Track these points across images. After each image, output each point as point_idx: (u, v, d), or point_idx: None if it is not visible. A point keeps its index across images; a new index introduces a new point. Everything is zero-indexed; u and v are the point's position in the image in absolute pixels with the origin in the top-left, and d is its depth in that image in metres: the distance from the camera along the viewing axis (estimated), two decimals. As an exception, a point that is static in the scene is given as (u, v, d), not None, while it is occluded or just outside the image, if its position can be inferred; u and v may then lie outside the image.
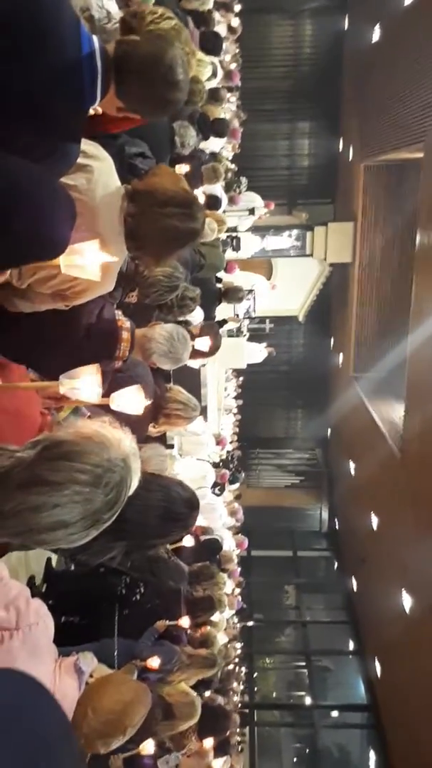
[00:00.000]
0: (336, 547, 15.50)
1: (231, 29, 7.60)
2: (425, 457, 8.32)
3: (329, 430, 16.60)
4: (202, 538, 5.54)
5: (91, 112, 1.51)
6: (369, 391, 12.08)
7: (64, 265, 1.43)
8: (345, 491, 14.44)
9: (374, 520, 11.09)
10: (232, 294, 5.21)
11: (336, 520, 15.78)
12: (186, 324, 3.51)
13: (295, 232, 13.73)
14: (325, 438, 16.82)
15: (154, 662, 3.57)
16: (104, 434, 1.16)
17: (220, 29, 6.56)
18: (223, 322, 6.34)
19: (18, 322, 1.93)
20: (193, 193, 1.78)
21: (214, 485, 7.28)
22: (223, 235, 7.18)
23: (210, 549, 5.47)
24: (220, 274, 6.02)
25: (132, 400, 1.75)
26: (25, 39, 1.23)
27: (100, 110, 1.54)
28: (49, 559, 4.51)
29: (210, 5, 5.35)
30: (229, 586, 6.75)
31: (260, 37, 14.22)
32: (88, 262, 1.45)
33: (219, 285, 5.34)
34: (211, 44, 4.76)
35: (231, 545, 7.59)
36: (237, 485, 9.71)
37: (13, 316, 1.93)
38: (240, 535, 8.76)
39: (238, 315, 9.35)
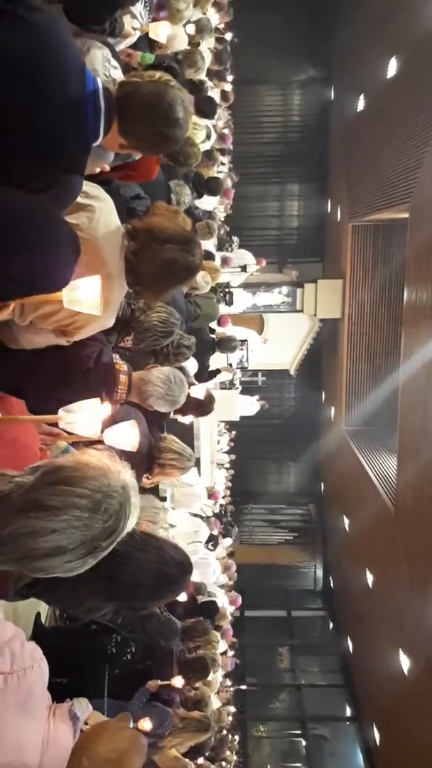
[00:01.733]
0: (331, 606, 15.11)
1: (224, 96, 7.97)
2: (419, 511, 8.23)
3: (322, 485, 16.46)
4: (199, 599, 5.40)
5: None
6: (362, 444, 12.06)
7: (67, 300, 1.45)
8: (339, 547, 14.20)
9: (369, 577, 10.86)
10: (226, 344, 5.27)
11: (330, 577, 15.44)
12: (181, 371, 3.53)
13: (285, 288, 14.03)
14: (318, 492, 16.66)
15: (146, 725, 3.40)
16: (104, 462, 1.15)
17: (214, 95, 6.88)
18: (217, 371, 6.38)
19: (18, 359, 1.94)
20: (190, 230, 1.83)
21: (208, 540, 7.15)
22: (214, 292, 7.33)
23: (207, 611, 5.33)
24: (213, 326, 6.11)
25: (126, 435, 1.74)
26: (33, 77, 1.29)
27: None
28: (38, 615, 4.35)
29: (203, 75, 5.64)
30: (222, 647, 6.53)
31: (251, 105, 14.93)
32: (90, 297, 1.47)
33: (212, 335, 5.41)
34: (206, 108, 4.98)
35: (224, 602, 7.39)
36: (230, 540, 9.53)
37: (13, 353, 1.94)
38: (233, 592, 8.53)
39: (231, 365, 9.41)
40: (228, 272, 10.29)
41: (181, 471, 2.98)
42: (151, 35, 3.48)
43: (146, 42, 3.98)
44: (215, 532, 7.34)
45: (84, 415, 1.56)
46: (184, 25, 4.50)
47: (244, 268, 10.81)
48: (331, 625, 15.09)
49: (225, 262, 8.96)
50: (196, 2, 4.07)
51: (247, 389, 12.91)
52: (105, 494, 1.09)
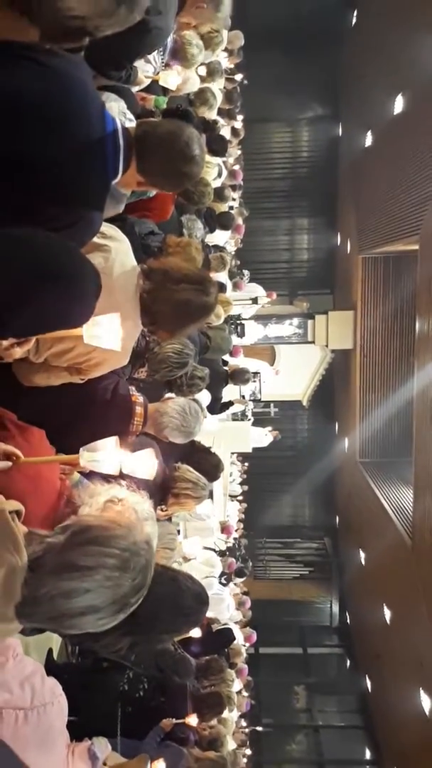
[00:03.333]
0: (348, 643, 14.75)
1: (235, 132, 8.18)
2: (437, 545, 8.10)
3: (337, 518, 16.24)
4: (214, 627, 5.31)
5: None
6: (377, 476, 11.93)
7: (87, 336, 1.48)
8: (356, 582, 13.93)
9: (387, 613, 10.62)
10: (239, 375, 5.29)
11: (347, 613, 15.11)
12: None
13: (296, 320, 14.11)
14: (333, 526, 16.42)
15: (159, 765, 3.31)
16: (129, 516, 1.19)
17: (224, 132, 7.06)
18: (230, 403, 6.39)
19: (33, 396, 1.97)
20: (204, 265, 1.86)
21: (221, 575, 7.05)
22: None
23: (222, 639, 5.23)
24: (225, 358, 6.14)
25: (144, 463, 1.74)
26: (57, 122, 1.35)
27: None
28: (50, 650, 4.30)
29: (215, 114, 5.80)
30: (236, 686, 6.39)
31: (261, 142, 15.26)
32: (110, 334, 1.49)
33: (225, 367, 5.44)
34: (217, 146, 5.11)
35: (239, 639, 7.24)
36: (244, 578, 9.41)
37: (27, 391, 1.96)
38: (248, 628, 8.37)
39: (244, 396, 9.42)
40: (239, 304, 10.39)
41: (196, 501, 2.97)
42: (162, 83, 3.61)
43: (159, 85, 4.13)
44: (230, 570, 7.26)
45: (104, 454, 1.58)
46: (196, 68, 4.64)
47: (255, 300, 10.92)
48: (348, 663, 14.71)
49: (236, 286, 9.06)
50: (208, 46, 4.20)
51: (260, 420, 12.87)
52: (133, 552, 1.14)
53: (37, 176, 1.30)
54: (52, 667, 4.34)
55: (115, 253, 1.76)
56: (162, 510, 3.05)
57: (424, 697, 8.39)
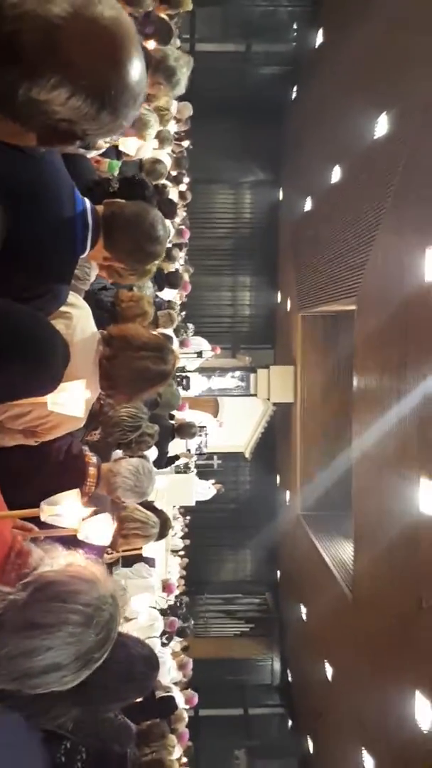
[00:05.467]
0: (289, 701, 14.48)
1: (182, 195, 8.49)
2: (376, 599, 8.19)
3: (279, 572, 16.17)
4: (157, 694, 5.14)
5: None
6: (317, 529, 12.03)
7: (51, 403, 1.51)
8: (297, 638, 13.80)
9: (329, 670, 10.54)
10: (185, 430, 5.34)
11: (288, 671, 14.89)
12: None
13: (239, 373, 14.40)
14: (275, 581, 16.33)
15: None
16: (92, 571, 1.18)
17: (172, 195, 7.32)
18: (176, 457, 6.39)
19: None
20: (163, 338, 1.94)
21: (162, 633, 6.88)
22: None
23: (164, 708, 5.07)
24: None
25: (100, 529, 1.75)
26: (31, 204, 1.41)
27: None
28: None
29: (164, 180, 6.05)
30: (176, 752, 6.15)
31: (205, 203, 15.85)
32: (74, 401, 1.53)
33: (171, 421, 5.48)
34: (166, 209, 5.30)
35: (180, 702, 7.02)
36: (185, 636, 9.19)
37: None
38: (189, 690, 8.14)
39: (190, 450, 9.43)
40: (184, 357, 10.53)
41: (145, 539, 2.95)
42: (121, 148, 3.77)
43: (114, 150, 4.30)
44: (171, 629, 7.09)
45: (66, 508, 1.58)
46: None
47: (200, 354, 11.10)
48: (290, 723, 14.40)
49: (183, 343, 9.21)
50: (160, 120, 4.43)
51: (203, 473, 12.86)
52: (96, 607, 1.13)
53: (10, 255, 1.36)
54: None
55: (76, 319, 1.82)
56: (108, 554, 3.00)
57: (366, 757, 8.30)
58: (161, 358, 1.87)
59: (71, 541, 1.83)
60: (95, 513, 1.78)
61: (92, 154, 3.75)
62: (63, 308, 1.77)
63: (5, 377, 1.32)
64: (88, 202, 1.63)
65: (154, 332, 4.93)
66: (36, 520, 1.90)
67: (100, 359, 1.84)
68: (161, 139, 5.55)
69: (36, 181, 1.40)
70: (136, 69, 0.91)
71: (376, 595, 8.22)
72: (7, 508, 2.03)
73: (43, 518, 1.60)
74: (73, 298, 1.86)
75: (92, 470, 2.23)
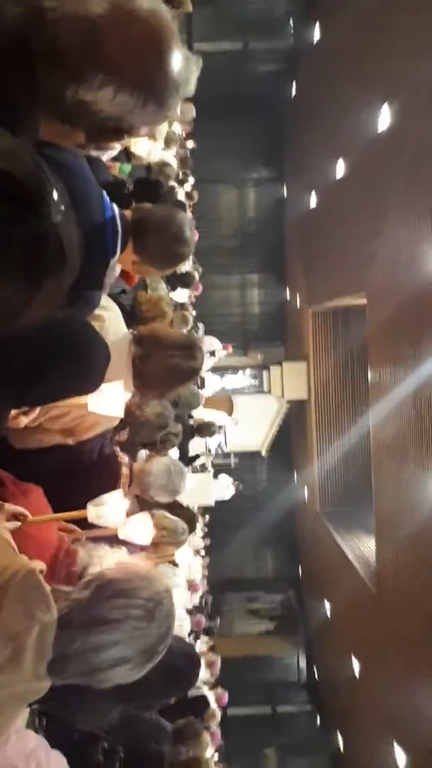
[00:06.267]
0: (317, 699, 14.45)
1: (189, 196, 8.54)
2: (402, 591, 8.16)
3: (300, 569, 16.15)
4: (189, 692, 5.15)
5: None
6: (338, 525, 12.00)
7: (92, 404, 1.53)
8: (322, 635, 13.77)
9: (356, 665, 10.51)
10: (206, 429, 5.36)
11: (315, 668, 14.85)
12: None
13: (251, 371, 14.40)
14: (296, 577, 16.31)
15: None
16: (145, 567, 1.25)
17: (180, 197, 7.36)
18: (196, 457, 6.41)
19: (23, 458, 1.98)
20: (192, 335, 1.96)
21: (189, 633, 6.91)
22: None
23: (197, 707, 5.08)
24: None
25: (141, 528, 1.77)
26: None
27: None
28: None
29: (172, 181, 6.08)
30: (209, 751, 6.17)
31: (210, 202, 15.85)
32: (113, 401, 1.55)
33: (191, 421, 5.50)
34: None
35: (211, 701, 7.03)
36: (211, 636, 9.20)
37: (18, 453, 1.97)
38: (219, 689, 8.15)
39: (210, 450, 9.45)
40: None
41: (176, 546, 2.97)
42: (133, 149, 3.80)
43: (124, 154, 4.35)
44: (198, 628, 7.11)
45: (111, 507, 1.61)
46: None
47: (212, 353, 11.12)
48: (318, 720, 14.37)
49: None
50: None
51: (220, 472, 12.87)
52: (156, 602, 1.17)
53: None
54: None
55: (108, 321, 1.85)
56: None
57: (398, 751, 8.27)
58: (191, 356, 1.91)
59: (112, 541, 1.86)
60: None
61: (105, 157, 3.79)
62: (95, 311, 1.80)
63: (58, 380, 1.35)
64: (116, 208, 1.65)
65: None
66: (75, 520, 1.93)
67: (133, 359, 1.86)
68: (167, 140, 5.58)
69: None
70: (177, 58, 0.93)
71: (401, 589, 8.19)
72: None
73: (89, 519, 1.62)
74: (104, 300, 1.89)
75: (125, 470, 2.25)
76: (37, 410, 1.63)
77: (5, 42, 0.87)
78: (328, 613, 12.53)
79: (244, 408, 14.19)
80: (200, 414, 7.99)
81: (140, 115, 0.93)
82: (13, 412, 1.52)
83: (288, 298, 15.80)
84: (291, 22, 13.90)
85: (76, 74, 0.88)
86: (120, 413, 1.61)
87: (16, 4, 0.88)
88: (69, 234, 0.79)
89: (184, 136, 8.65)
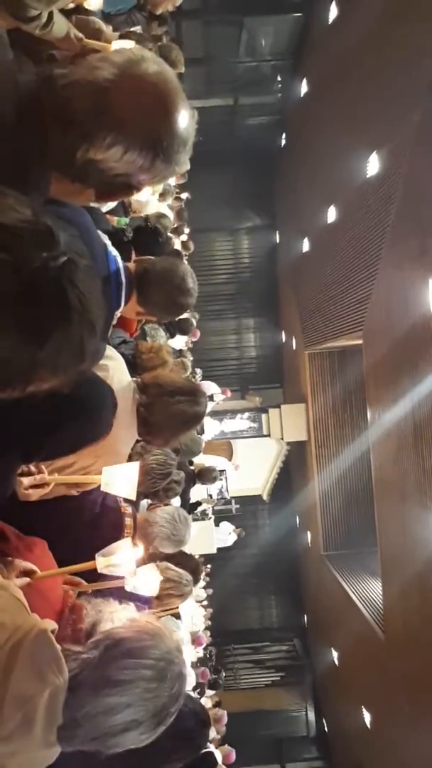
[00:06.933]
0: (328, 753, 13.89)
1: (185, 246, 8.71)
2: (410, 635, 7.96)
3: (306, 617, 15.76)
4: (197, 750, 4.95)
5: None
6: (342, 569, 11.79)
7: (104, 484, 1.53)
8: (330, 684, 13.35)
9: (366, 715, 10.16)
10: (206, 475, 5.31)
11: (324, 720, 14.34)
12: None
13: (250, 414, 14.39)
14: (302, 625, 15.90)
15: None
16: (155, 625, 1.20)
17: (176, 246, 7.50)
18: (198, 504, 6.34)
19: (25, 511, 1.96)
20: (194, 381, 1.98)
21: (194, 687, 6.70)
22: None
23: (205, 765, 4.88)
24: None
25: (148, 579, 1.74)
26: None
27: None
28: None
29: (168, 233, 6.23)
30: None
31: (205, 250, 16.21)
32: (127, 483, 1.54)
33: (191, 467, 5.46)
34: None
35: (218, 760, 6.75)
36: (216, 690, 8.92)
37: (20, 505, 1.95)
38: (226, 746, 7.85)
39: (211, 496, 9.36)
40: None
41: (180, 599, 2.89)
42: (133, 199, 3.89)
43: (121, 207, 4.46)
44: (203, 680, 6.89)
45: (121, 557, 1.58)
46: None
47: (210, 398, 11.14)
48: (330, 776, 13.80)
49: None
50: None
51: (221, 518, 12.72)
52: (168, 661, 1.13)
53: None
54: None
55: (113, 371, 1.86)
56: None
57: (415, 806, 7.92)
58: (195, 401, 1.92)
59: (118, 594, 1.82)
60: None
61: (104, 209, 3.89)
62: (100, 360, 1.82)
63: (71, 432, 1.35)
64: (120, 261, 1.69)
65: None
66: (80, 573, 1.89)
67: (138, 406, 1.87)
68: (163, 192, 5.74)
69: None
70: (183, 117, 0.97)
71: (410, 631, 7.99)
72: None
73: (99, 570, 1.59)
74: (108, 350, 1.91)
75: (128, 521, 2.22)
76: (51, 485, 1.62)
77: (19, 106, 0.91)
78: (336, 661, 12.18)
79: (244, 452, 14.12)
80: (200, 460, 7.95)
81: (149, 172, 0.96)
82: (26, 481, 1.52)
83: (284, 340, 15.95)
84: (279, 78, 14.46)
85: (87, 135, 0.92)
86: (132, 496, 1.61)
87: (29, 72, 0.93)
88: (83, 281, 0.79)
89: (178, 190, 8.88)
